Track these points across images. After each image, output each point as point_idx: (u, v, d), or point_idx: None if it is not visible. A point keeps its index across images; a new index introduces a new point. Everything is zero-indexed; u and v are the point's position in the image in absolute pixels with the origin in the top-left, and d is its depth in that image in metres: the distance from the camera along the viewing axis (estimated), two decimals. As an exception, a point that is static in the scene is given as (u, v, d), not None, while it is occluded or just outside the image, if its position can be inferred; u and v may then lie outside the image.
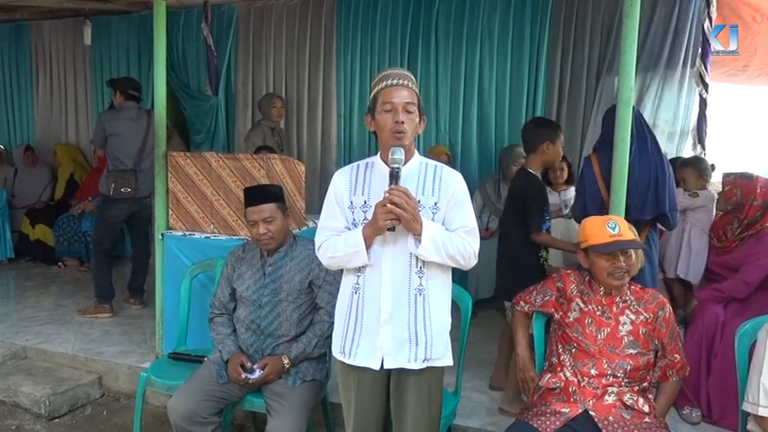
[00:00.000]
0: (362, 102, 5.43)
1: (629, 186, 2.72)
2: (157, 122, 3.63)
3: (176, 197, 3.53)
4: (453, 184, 2.10)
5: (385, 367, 2.08)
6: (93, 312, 4.56)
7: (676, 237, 3.62)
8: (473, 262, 2.11)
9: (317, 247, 2.18)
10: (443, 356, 2.14)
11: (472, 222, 2.11)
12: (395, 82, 2.05)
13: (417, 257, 2.06)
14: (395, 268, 2.06)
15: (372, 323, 2.08)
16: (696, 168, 3.74)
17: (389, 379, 2.15)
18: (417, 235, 2.00)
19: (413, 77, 2.12)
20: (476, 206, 4.82)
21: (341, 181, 2.16)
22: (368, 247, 2.04)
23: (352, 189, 2.13)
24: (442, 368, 2.17)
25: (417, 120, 2.08)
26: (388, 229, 1.99)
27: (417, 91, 2.10)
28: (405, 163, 2.06)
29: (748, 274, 3.11)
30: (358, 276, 2.11)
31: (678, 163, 3.83)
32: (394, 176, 1.99)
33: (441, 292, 2.13)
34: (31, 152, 6.58)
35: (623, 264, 2.32)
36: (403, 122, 2.02)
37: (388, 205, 1.95)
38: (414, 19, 5.20)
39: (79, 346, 3.98)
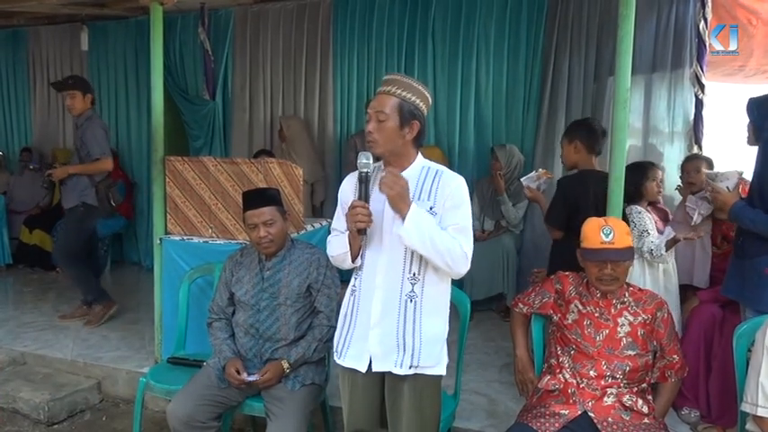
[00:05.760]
0: (359, 106, 5.44)
1: None
2: (155, 127, 3.63)
3: (174, 202, 3.53)
4: (450, 186, 2.07)
5: (373, 370, 2.09)
6: (103, 314, 4.47)
7: (688, 242, 3.54)
8: (462, 266, 2.03)
9: (327, 244, 2.26)
10: (435, 365, 2.10)
11: (464, 221, 2.05)
12: (380, 89, 2.07)
13: (411, 263, 2.06)
14: (389, 273, 2.07)
15: (363, 326, 2.10)
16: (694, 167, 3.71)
17: (384, 384, 2.15)
18: (402, 216, 1.97)
19: (408, 82, 2.06)
20: (474, 209, 4.85)
21: (348, 185, 2.21)
22: (356, 249, 2.09)
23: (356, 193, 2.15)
24: (438, 375, 2.15)
25: (395, 125, 2.02)
26: (359, 232, 2.03)
27: (408, 95, 2.03)
28: (406, 168, 2.09)
29: None
30: (356, 279, 2.16)
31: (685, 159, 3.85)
32: (362, 180, 2.03)
33: (436, 300, 2.10)
34: (28, 153, 6.58)
35: (610, 271, 2.32)
36: (371, 132, 2.03)
37: (351, 217, 2.00)
38: (410, 23, 5.22)
39: (78, 352, 3.97)
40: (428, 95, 2.10)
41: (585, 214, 3.06)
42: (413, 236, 1.96)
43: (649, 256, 3.23)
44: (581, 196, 3.17)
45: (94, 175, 4.38)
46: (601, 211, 3.15)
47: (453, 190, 2.07)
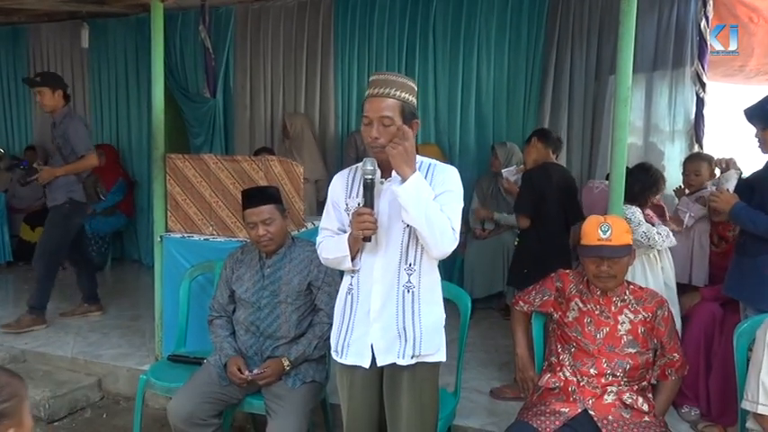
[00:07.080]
0: (360, 103, 5.41)
1: None
2: (155, 125, 3.63)
3: (175, 199, 3.53)
4: (442, 174, 2.07)
5: (378, 364, 2.09)
6: (28, 325, 4.25)
7: (685, 242, 3.51)
8: (450, 243, 1.97)
9: (317, 245, 2.22)
10: (435, 353, 2.11)
11: (455, 204, 2.03)
12: (376, 92, 2.00)
13: (407, 254, 2.05)
14: (386, 267, 2.07)
15: (363, 322, 2.10)
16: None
17: (383, 380, 2.15)
18: (404, 178, 1.94)
19: (402, 81, 2.02)
20: (475, 207, 4.84)
21: (338, 183, 2.19)
22: (355, 252, 2.06)
23: (348, 192, 2.14)
24: (436, 367, 2.15)
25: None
26: (365, 239, 2.00)
27: (406, 96, 2.00)
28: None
29: None
30: (351, 278, 2.14)
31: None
32: (367, 187, 2.00)
33: (432, 289, 2.12)
34: (32, 151, 6.58)
35: (606, 268, 2.32)
36: (377, 138, 1.98)
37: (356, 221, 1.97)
38: (411, 20, 5.22)
39: (78, 349, 3.97)
40: (415, 86, 2.08)
41: (550, 202, 3.52)
42: (410, 196, 1.92)
43: (650, 240, 3.11)
44: (546, 186, 3.53)
45: (81, 172, 4.34)
46: (563, 199, 3.57)
47: (446, 177, 2.07)
